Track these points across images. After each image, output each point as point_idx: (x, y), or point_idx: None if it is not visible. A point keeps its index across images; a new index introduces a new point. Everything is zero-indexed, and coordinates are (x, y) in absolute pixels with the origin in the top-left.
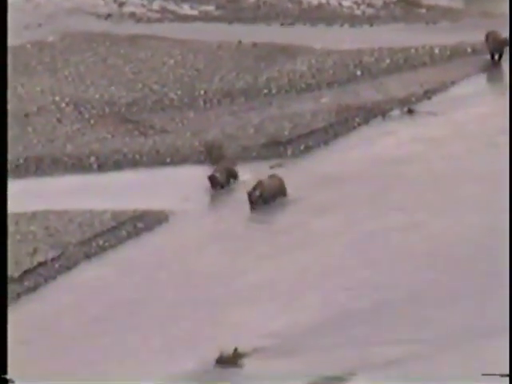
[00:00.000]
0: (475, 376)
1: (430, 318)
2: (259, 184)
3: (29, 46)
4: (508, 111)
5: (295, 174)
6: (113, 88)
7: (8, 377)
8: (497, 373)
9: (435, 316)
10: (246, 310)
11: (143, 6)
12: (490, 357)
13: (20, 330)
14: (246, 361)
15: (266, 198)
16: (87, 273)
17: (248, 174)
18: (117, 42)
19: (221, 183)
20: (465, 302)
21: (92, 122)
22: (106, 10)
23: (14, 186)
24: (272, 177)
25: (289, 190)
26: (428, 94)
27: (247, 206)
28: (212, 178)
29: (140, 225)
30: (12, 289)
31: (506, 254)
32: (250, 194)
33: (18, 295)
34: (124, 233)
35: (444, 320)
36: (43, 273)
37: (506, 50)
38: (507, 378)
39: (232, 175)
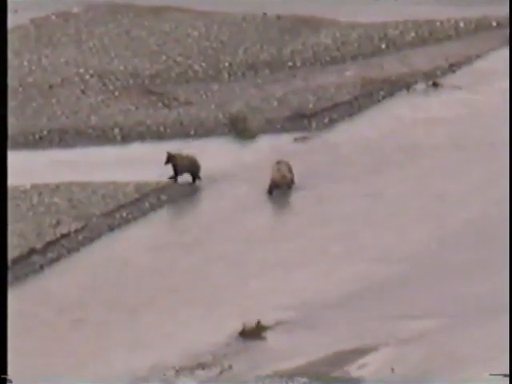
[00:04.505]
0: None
1: (456, 291)
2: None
3: (53, 17)
4: None
5: (319, 148)
6: (137, 60)
7: (8, 377)
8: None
9: (462, 290)
10: (269, 283)
11: None
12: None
13: (43, 302)
14: (268, 333)
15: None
16: (110, 245)
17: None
18: (141, 13)
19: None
20: (492, 277)
21: (116, 93)
22: None
23: (37, 158)
24: (280, 163)
25: (314, 163)
26: (453, 68)
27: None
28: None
29: (163, 197)
30: (35, 260)
31: None
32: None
33: (41, 267)
34: (147, 205)
35: (471, 294)
36: (66, 244)
37: None
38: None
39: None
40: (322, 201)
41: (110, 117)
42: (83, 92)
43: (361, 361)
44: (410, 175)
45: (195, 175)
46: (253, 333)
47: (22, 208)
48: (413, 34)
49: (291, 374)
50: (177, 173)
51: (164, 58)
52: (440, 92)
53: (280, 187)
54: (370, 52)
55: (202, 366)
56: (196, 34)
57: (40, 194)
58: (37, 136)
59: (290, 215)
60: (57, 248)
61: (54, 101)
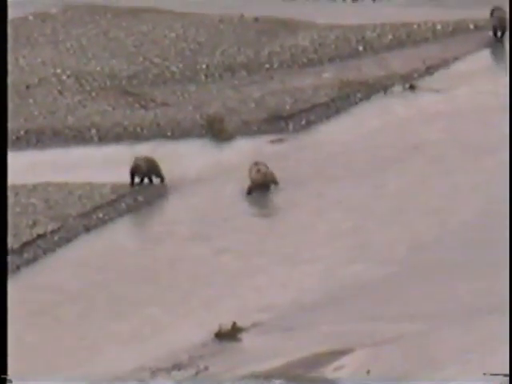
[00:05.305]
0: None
1: (432, 294)
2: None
3: (31, 17)
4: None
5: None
6: (114, 61)
7: (8, 377)
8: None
9: (438, 292)
10: (245, 284)
11: None
12: (490, 335)
13: (20, 303)
14: (244, 335)
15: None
16: (86, 245)
17: (248, 149)
18: (118, 14)
19: (143, 174)
20: (469, 279)
21: (93, 94)
22: None
23: (14, 158)
24: (258, 164)
25: (292, 164)
26: (430, 70)
27: (247, 181)
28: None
29: (140, 198)
30: (11, 260)
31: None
32: (253, 181)
33: (18, 267)
34: (124, 206)
35: (447, 296)
36: (42, 245)
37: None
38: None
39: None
40: (300, 201)
41: (86, 117)
42: (60, 92)
43: (337, 363)
44: (386, 177)
45: (159, 177)
46: (228, 334)
47: None
48: (390, 37)
49: (267, 376)
50: (133, 176)
51: (141, 59)
52: (417, 94)
53: (260, 188)
54: (348, 54)
55: (178, 366)
56: (173, 35)
57: (17, 194)
58: (14, 136)
59: (271, 217)
60: (33, 248)
61: (30, 101)
